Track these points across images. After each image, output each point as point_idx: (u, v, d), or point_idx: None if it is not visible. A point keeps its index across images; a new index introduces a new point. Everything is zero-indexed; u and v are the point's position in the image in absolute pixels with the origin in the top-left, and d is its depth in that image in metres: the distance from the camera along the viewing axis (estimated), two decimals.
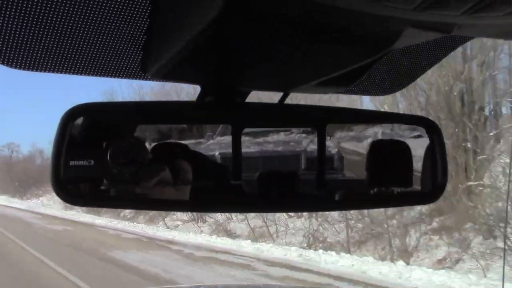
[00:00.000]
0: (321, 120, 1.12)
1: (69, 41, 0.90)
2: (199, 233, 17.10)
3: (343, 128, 1.41)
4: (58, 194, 0.93)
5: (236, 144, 1.12)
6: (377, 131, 1.33)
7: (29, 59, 0.92)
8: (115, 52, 0.94)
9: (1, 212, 29.15)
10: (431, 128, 1.13)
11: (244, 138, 1.17)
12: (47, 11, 0.81)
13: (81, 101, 1.00)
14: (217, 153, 1.27)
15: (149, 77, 1.00)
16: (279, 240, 14.46)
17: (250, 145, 1.28)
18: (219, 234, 16.46)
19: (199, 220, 18.92)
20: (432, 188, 1.14)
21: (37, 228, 19.78)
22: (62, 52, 0.92)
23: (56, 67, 0.96)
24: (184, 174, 1.09)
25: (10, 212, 29.80)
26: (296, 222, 15.24)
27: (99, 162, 0.99)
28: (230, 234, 16.43)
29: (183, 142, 1.17)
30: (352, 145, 1.36)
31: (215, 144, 1.28)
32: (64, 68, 0.96)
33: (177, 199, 1.07)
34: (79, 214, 25.10)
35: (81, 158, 0.98)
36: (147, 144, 1.07)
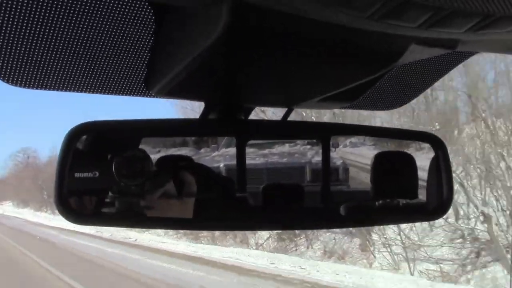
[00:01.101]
0: (325, 136, 1.12)
1: (73, 59, 0.90)
2: None
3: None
4: (61, 213, 0.93)
5: (241, 156, 1.12)
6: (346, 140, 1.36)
7: (34, 78, 0.93)
8: (119, 70, 0.95)
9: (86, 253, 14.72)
10: (436, 144, 1.13)
11: (249, 150, 1.17)
12: (51, 30, 0.83)
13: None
14: (222, 165, 1.27)
15: (153, 94, 1.01)
16: None
17: (255, 157, 1.28)
18: None
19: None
20: (437, 204, 1.13)
21: None
22: (66, 70, 0.93)
23: (61, 85, 0.97)
24: (188, 187, 1.09)
25: (96, 251, 15.15)
26: None
27: (104, 174, 0.99)
28: None
29: (187, 154, 1.17)
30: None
31: (220, 156, 1.28)
32: (68, 86, 0.97)
33: (181, 217, 1.07)
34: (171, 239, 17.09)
35: (86, 170, 0.98)
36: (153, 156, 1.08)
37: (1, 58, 0.86)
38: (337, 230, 11.70)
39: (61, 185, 0.91)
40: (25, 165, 53.93)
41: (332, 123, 1.25)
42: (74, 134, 0.93)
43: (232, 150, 1.23)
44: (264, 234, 14.31)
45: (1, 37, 0.81)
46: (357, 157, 1.29)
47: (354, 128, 1.27)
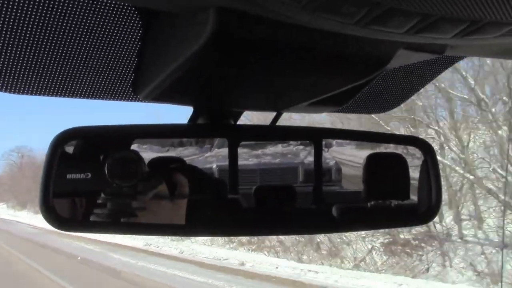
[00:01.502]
0: (314, 140, 1.12)
1: (60, 64, 0.90)
2: None
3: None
4: (47, 220, 0.92)
5: (233, 159, 1.12)
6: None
7: (20, 83, 0.92)
8: (107, 74, 0.95)
9: None
10: (425, 149, 1.13)
11: (242, 150, 1.17)
12: (38, 36, 0.82)
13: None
14: (214, 166, 1.27)
15: (140, 99, 1.01)
16: None
17: (248, 157, 1.28)
18: None
19: None
20: (426, 208, 1.14)
21: None
22: (53, 75, 0.92)
23: (48, 91, 0.96)
24: (181, 188, 1.08)
25: None
26: None
27: (96, 176, 0.99)
28: None
29: (180, 156, 1.17)
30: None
31: (213, 157, 1.28)
32: (56, 91, 0.97)
33: (173, 223, 1.07)
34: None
35: (79, 171, 0.98)
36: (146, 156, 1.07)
37: None
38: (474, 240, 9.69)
39: (47, 192, 0.90)
40: (20, 165, 50.77)
41: (321, 128, 1.25)
42: (60, 140, 0.92)
43: (225, 151, 1.23)
44: (360, 244, 10.68)
45: None
46: (342, 155, 1.32)
47: (344, 132, 1.28)
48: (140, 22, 0.84)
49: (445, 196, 10.12)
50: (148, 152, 1.10)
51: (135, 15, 0.82)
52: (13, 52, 0.84)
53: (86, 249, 15.95)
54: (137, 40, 0.87)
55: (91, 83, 0.97)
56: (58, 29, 0.81)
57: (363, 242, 10.96)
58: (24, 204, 41.82)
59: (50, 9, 0.77)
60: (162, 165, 1.11)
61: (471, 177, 9.58)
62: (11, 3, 0.74)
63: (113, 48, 0.88)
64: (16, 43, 0.83)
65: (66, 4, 0.77)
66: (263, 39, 0.64)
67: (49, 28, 0.81)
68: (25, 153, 51.42)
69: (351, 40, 0.61)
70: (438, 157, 1.17)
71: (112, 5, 0.79)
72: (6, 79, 0.90)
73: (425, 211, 1.13)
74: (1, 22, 0.77)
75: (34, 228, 25.39)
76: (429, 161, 1.10)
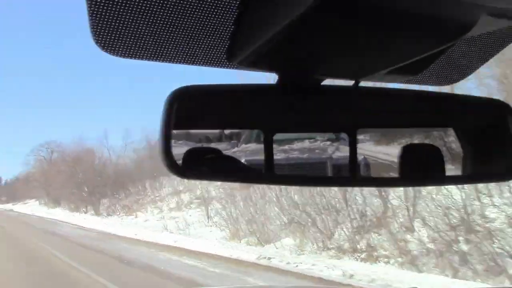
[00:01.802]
0: (401, 103, 1.14)
1: (159, 30, 0.93)
2: None
3: None
4: (172, 171, 0.99)
5: (268, 149, 1.13)
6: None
7: (124, 46, 0.97)
8: (203, 41, 0.99)
9: None
10: (504, 110, 1.14)
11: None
12: (140, 2, 0.85)
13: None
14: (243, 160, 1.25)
15: (234, 66, 1.04)
16: None
17: (276, 153, 1.26)
18: None
19: None
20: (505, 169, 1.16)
21: None
22: (153, 40, 0.96)
23: (148, 55, 1.00)
24: None
25: None
26: None
27: None
28: None
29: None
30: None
31: (240, 152, 1.26)
32: (155, 55, 1.01)
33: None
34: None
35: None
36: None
37: (102, 29, 0.90)
38: None
39: (168, 144, 0.97)
40: (50, 160, 47.58)
41: (403, 89, 1.24)
42: (176, 96, 0.99)
43: (252, 146, 1.22)
44: None
45: (100, 9, 0.84)
46: (363, 150, 1.38)
47: (421, 94, 1.27)
48: None
49: None
50: (183, 147, 1.12)
51: None
52: (116, 16, 0.88)
53: (203, 271, 9.83)
54: (235, 7, 0.89)
55: (188, 49, 1.00)
56: None
57: None
58: (57, 201, 38.56)
59: None
60: (199, 155, 1.13)
61: None
62: None
63: (210, 15, 0.91)
64: (117, 8, 0.86)
65: None
66: (350, 6, 0.65)
67: None
68: (55, 148, 48.48)
69: (437, 3, 0.61)
70: None
71: None
72: (112, 42, 0.95)
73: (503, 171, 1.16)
74: None
75: (87, 231, 19.64)
76: (510, 122, 1.12)
